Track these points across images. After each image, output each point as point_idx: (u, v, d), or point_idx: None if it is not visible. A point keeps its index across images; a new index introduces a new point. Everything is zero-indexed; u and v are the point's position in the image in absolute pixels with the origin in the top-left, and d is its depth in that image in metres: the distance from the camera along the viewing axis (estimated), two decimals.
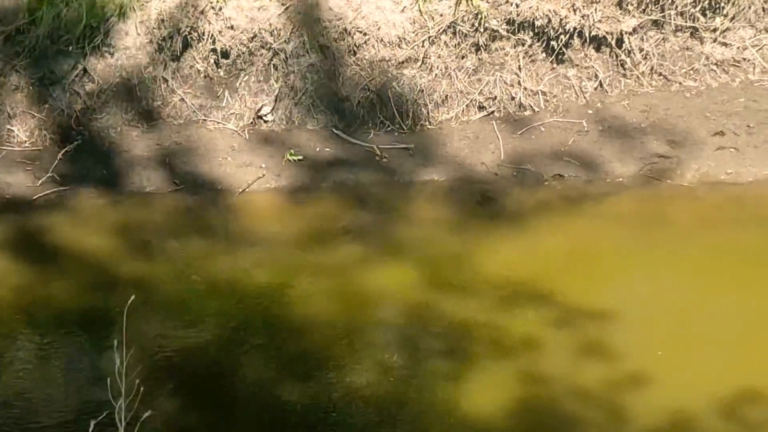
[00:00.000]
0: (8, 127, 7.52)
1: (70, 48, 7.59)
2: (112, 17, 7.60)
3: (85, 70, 7.61)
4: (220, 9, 7.71)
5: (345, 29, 7.78)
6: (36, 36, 7.56)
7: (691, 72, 8.16)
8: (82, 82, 7.61)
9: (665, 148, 7.76)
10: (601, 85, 8.06)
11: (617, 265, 6.87)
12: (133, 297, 4.29)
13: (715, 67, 8.17)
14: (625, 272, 6.76)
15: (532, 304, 6.32)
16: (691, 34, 8.16)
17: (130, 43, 7.66)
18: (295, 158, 7.57)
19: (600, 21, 7.96)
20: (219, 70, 7.79)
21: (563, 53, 8.02)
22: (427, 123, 7.87)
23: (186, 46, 7.74)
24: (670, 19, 8.09)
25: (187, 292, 6.49)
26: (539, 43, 7.99)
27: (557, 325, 6.14)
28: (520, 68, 7.97)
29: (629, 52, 8.06)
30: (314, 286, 6.56)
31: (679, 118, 7.97)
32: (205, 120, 7.73)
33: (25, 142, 7.52)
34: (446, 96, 7.91)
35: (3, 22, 7.47)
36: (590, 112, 7.98)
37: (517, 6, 7.86)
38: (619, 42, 8.04)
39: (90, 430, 3.67)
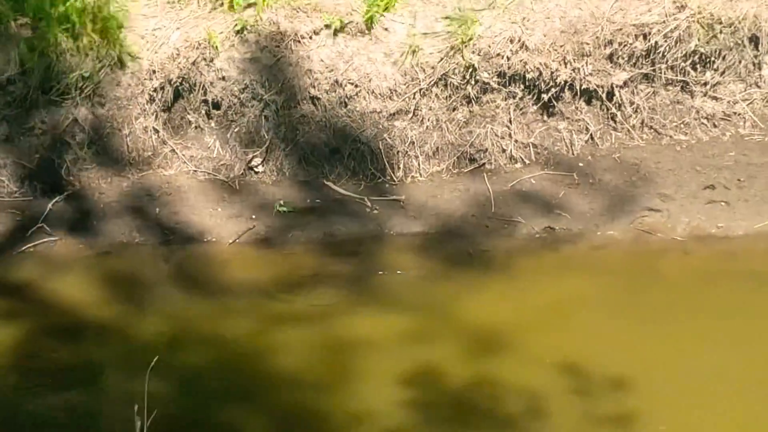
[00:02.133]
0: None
1: (62, 98, 7.60)
2: (103, 68, 7.61)
3: (76, 120, 7.61)
4: (212, 60, 7.73)
5: (336, 81, 7.79)
6: (27, 86, 7.57)
7: (682, 125, 8.17)
8: (73, 132, 7.61)
9: (656, 201, 7.75)
10: (591, 138, 8.05)
11: (607, 320, 6.77)
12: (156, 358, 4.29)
13: (705, 121, 8.18)
14: (616, 328, 6.68)
15: (519, 359, 6.27)
16: (682, 87, 8.17)
17: (122, 94, 7.66)
18: (285, 209, 7.55)
19: (591, 74, 7.98)
20: (210, 120, 7.81)
21: (554, 106, 8.03)
22: (418, 175, 7.86)
23: (177, 96, 7.75)
24: (661, 72, 8.10)
25: (175, 342, 6.45)
26: (530, 96, 8.00)
27: (544, 382, 6.08)
28: (510, 121, 7.97)
29: (620, 105, 8.07)
30: (301, 336, 6.51)
31: (669, 171, 7.96)
32: (195, 171, 7.73)
33: (16, 192, 7.51)
34: (437, 148, 7.91)
35: None
36: (581, 164, 7.97)
37: (508, 59, 7.88)
38: (610, 95, 8.04)
39: None
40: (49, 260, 7.15)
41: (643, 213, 7.67)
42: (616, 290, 7.11)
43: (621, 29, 8.02)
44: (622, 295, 7.05)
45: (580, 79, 7.98)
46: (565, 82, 7.97)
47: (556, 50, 7.93)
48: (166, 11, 7.86)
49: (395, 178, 7.82)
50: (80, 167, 7.61)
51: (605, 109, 8.07)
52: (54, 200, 7.47)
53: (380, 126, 7.83)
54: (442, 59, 7.86)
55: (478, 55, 7.86)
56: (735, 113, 8.18)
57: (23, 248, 7.17)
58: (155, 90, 7.69)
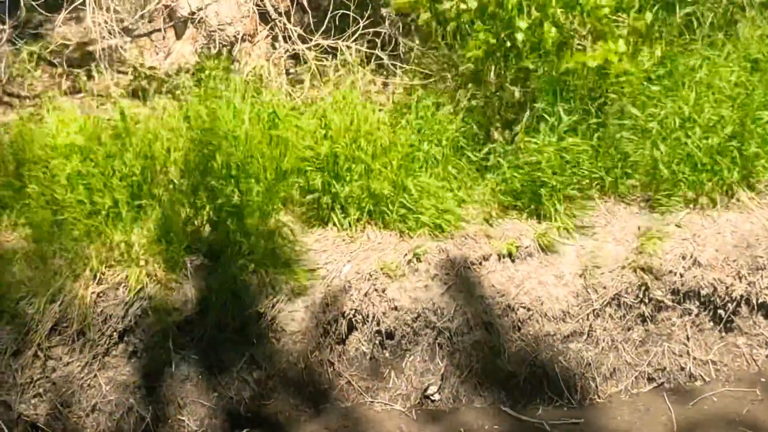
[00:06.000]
0: (179, 417, 7.54)
1: (238, 335, 7.68)
2: (278, 303, 7.70)
3: (252, 356, 7.66)
4: (384, 290, 7.78)
5: (508, 305, 7.78)
6: (204, 325, 7.66)
7: None
8: (250, 369, 7.65)
9: None
10: None
11: None
12: None
13: None
14: None
15: None
16: None
17: (296, 328, 7.72)
18: None
19: (767, 287, 7.89)
20: (384, 351, 7.80)
21: (731, 321, 7.92)
22: (596, 397, 7.75)
23: (351, 328, 7.79)
24: None
25: None
26: (706, 312, 7.92)
27: None
28: (688, 338, 7.87)
29: None
30: None
31: None
32: (372, 402, 7.70)
33: (196, 431, 7.53)
34: (614, 369, 7.81)
35: (172, 315, 7.60)
36: (763, 380, 7.81)
37: (682, 276, 7.83)
38: None
39: None
40: None
41: None
42: None
43: None
44: None
45: (756, 293, 7.90)
46: (741, 296, 7.88)
47: (729, 265, 7.87)
48: (336, 245, 7.98)
49: (573, 401, 7.71)
50: (258, 403, 7.62)
51: None
52: None
53: (555, 349, 7.77)
54: (614, 279, 7.83)
55: (651, 273, 7.83)
56: None
57: None
58: (329, 323, 7.73)
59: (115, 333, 7.56)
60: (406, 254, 7.86)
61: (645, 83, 8.70)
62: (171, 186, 7.86)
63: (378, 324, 7.77)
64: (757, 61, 9.04)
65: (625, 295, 7.83)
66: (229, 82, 8.98)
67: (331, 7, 9.45)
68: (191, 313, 7.66)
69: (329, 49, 9.48)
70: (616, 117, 8.47)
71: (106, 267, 7.64)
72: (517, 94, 8.46)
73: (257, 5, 9.78)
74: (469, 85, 8.74)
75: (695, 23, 9.41)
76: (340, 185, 7.99)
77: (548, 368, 7.74)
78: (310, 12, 9.66)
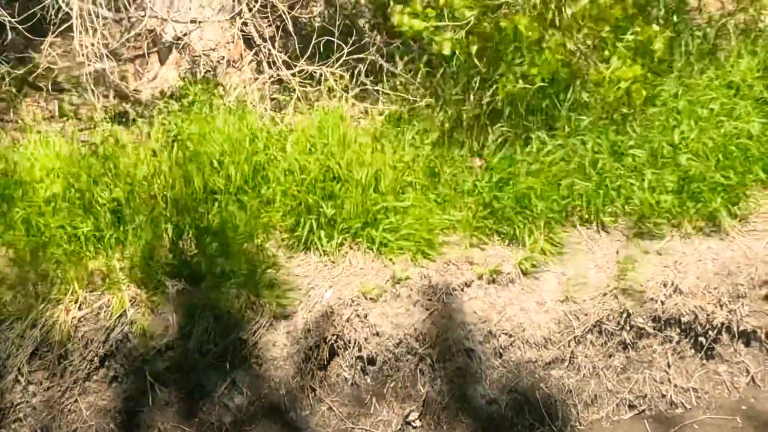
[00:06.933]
0: None
1: (219, 361, 7.66)
2: (260, 329, 7.69)
3: (234, 382, 7.65)
4: (366, 316, 7.77)
5: (490, 332, 7.78)
6: (185, 350, 7.65)
7: None
8: (231, 395, 7.64)
9: None
10: (753, 380, 7.93)
11: None
12: None
13: None
14: None
15: None
16: None
17: (278, 354, 7.71)
18: None
19: (748, 315, 7.91)
20: (366, 377, 7.79)
21: (712, 348, 7.94)
22: (577, 424, 7.75)
23: (332, 354, 7.78)
24: None
25: None
26: (687, 340, 7.93)
27: None
28: (669, 365, 7.89)
29: None
30: None
31: None
32: (353, 428, 7.68)
33: None
34: (595, 395, 7.82)
35: (154, 340, 7.58)
36: (744, 407, 7.82)
37: (663, 303, 7.84)
38: None
39: None
40: None
41: None
42: None
43: None
44: None
45: (737, 321, 7.91)
46: (722, 324, 7.90)
47: (710, 293, 7.89)
48: (318, 270, 7.98)
49: (554, 428, 7.70)
50: (239, 429, 7.60)
51: (765, 350, 7.97)
52: None
53: (536, 375, 7.77)
54: (595, 306, 7.84)
55: (632, 300, 7.84)
56: None
57: None
58: (311, 348, 7.72)
59: (96, 358, 7.55)
60: (388, 280, 7.86)
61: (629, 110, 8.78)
62: (153, 210, 7.87)
63: (360, 350, 7.76)
64: (738, 88, 9.09)
65: (607, 322, 7.84)
66: (212, 107, 9.00)
67: (315, 34, 9.46)
68: (173, 337, 7.65)
69: (314, 75, 9.50)
70: (599, 144, 8.53)
71: (87, 291, 7.64)
72: (505, 117, 8.56)
73: (242, 31, 9.79)
74: (451, 111, 8.79)
75: (679, 51, 9.47)
76: (322, 210, 8.00)
77: (529, 395, 7.74)
78: (295, 38, 9.67)
